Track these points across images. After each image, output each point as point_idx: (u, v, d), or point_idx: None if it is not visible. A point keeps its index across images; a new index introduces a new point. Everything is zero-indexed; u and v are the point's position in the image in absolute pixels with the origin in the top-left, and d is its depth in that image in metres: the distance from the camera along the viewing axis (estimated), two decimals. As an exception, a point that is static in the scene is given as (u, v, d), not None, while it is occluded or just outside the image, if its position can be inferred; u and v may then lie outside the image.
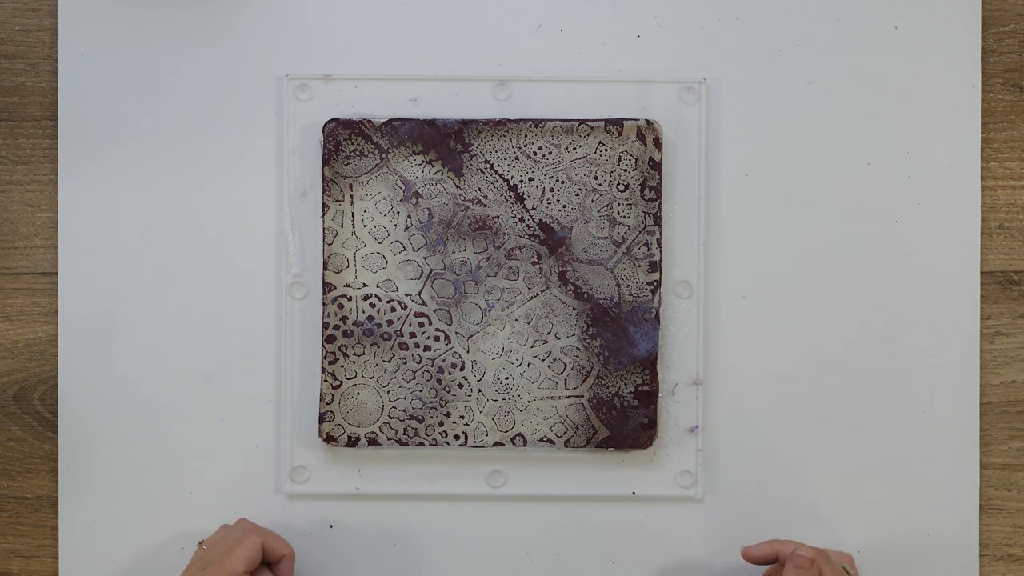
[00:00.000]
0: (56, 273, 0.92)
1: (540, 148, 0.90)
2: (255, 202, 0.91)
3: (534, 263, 0.90)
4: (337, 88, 0.91)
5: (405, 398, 0.90)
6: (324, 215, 0.90)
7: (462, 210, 0.90)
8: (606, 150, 0.90)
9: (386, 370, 0.90)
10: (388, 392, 0.90)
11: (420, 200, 0.90)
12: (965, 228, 0.92)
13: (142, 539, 0.91)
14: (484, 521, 0.92)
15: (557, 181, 0.90)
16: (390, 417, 0.90)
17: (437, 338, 0.90)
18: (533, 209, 0.90)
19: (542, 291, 0.90)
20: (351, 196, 0.90)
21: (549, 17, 0.92)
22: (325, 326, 0.90)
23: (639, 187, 0.90)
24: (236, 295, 0.91)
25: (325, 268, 0.90)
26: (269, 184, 0.91)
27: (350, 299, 0.90)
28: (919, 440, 0.91)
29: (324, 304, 0.90)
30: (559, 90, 0.91)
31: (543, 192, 0.90)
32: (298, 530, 0.91)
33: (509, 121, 0.90)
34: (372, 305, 0.90)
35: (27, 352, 0.92)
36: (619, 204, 0.90)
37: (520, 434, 0.90)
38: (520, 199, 0.90)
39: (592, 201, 0.90)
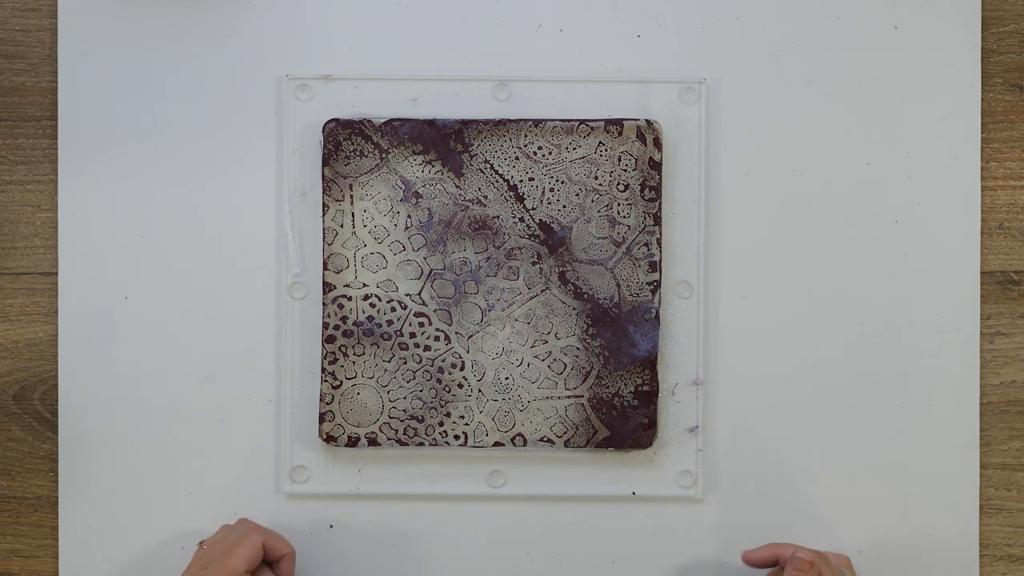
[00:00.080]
0: (56, 273, 0.92)
1: (540, 148, 0.90)
2: (255, 202, 0.91)
3: (534, 263, 0.90)
4: (337, 88, 0.91)
5: (405, 398, 0.90)
6: (324, 215, 0.90)
7: (462, 210, 0.90)
8: (606, 150, 0.90)
9: (386, 370, 0.90)
10: (388, 392, 0.90)
11: (420, 200, 0.90)
12: (965, 228, 0.92)
13: (142, 539, 0.91)
14: (484, 521, 0.92)
15: (557, 181, 0.90)
16: (390, 417, 0.90)
17: (437, 338, 0.90)
18: (533, 209, 0.90)
19: (542, 291, 0.90)
20: (351, 196, 0.90)
21: (549, 17, 0.92)
22: (325, 326, 0.90)
23: (639, 187, 0.90)
24: (236, 295, 0.91)
25: (325, 268, 0.90)
26: (269, 184, 0.91)
27: (350, 299, 0.90)
28: (919, 440, 0.91)
29: (324, 304, 0.90)
30: (559, 90, 0.91)
31: (543, 192, 0.90)
32: (298, 530, 0.91)
33: (509, 121, 0.90)
34: (372, 305, 0.90)
35: (27, 352, 0.92)
36: (619, 204, 0.90)
37: (520, 434, 0.90)
38: (520, 199, 0.90)
39: (592, 201, 0.90)
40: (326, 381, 0.90)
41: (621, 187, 0.90)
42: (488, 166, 0.90)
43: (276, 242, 0.91)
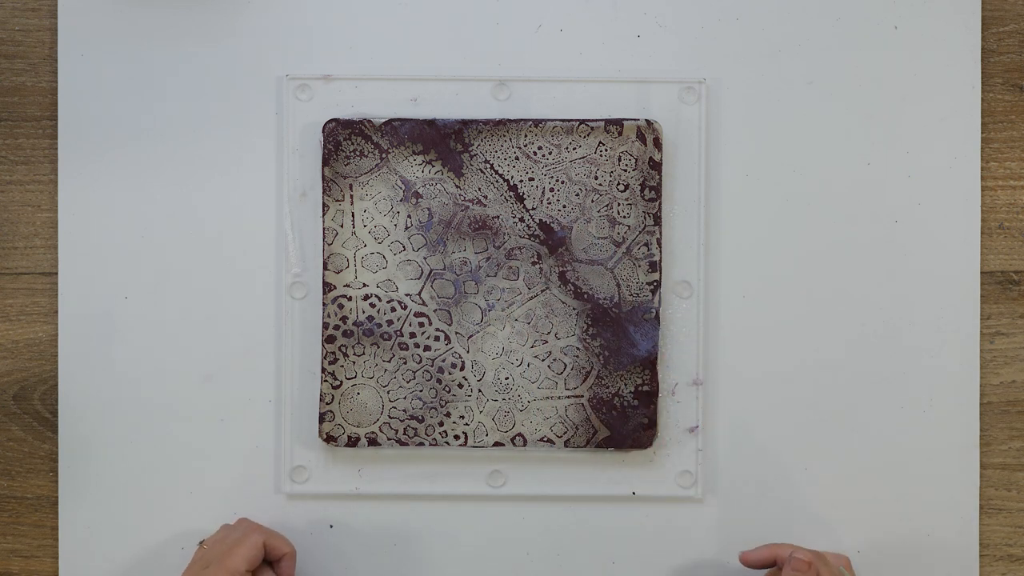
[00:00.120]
0: (56, 273, 0.92)
1: (540, 148, 0.90)
2: (255, 202, 0.91)
3: (534, 263, 0.90)
4: (337, 88, 0.91)
5: (405, 398, 0.90)
6: (324, 215, 0.90)
7: (462, 210, 0.90)
8: (606, 150, 0.90)
9: (386, 370, 0.90)
10: (388, 392, 0.90)
11: (420, 200, 0.90)
12: (965, 228, 0.92)
13: (142, 539, 0.91)
14: (484, 521, 0.92)
15: (557, 181, 0.90)
16: (390, 417, 0.90)
17: (437, 338, 0.90)
18: (533, 209, 0.90)
19: (542, 291, 0.90)
20: (351, 196, 0.90)
21: (549, 17, 0.92)
22: (325, 326, 0.90)
23: (639, 187, 0.90)
24: (236, 295, 0.91)
25: (325, 268, 0.90)
26: (269, 184, 0.91)
27: (350, 299, 0.90)
28: (919, 440, 0.91)
29: (324, 304, 0.90)
30: (559, 90, 0.91)
31: (543, 192, 0.90)
32: (298, 530, 0.91)
33: (509, 121, 0.90)
34: (372, 305, 0.90)
35: (27, 352, 0.92)
36: (619, 204, 0.90)
37: (520, 434, 0.90)
38: (520, 199, 0.90)
39: (592, 201, 0.90)
40: (326, 381, 0.90)
41: (621, 187, 0.90)
42: (488, 166, 0.90)
43: (276, 242, 0.91)
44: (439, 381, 0.90)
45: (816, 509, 0.91)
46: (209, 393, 0.91)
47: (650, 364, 0.90)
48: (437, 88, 0.91)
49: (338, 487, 0.91)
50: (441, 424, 0.90)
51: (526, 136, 0.90)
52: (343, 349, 0.90)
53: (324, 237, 0.90)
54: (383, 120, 0.90)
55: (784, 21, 0.92)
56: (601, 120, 0.90)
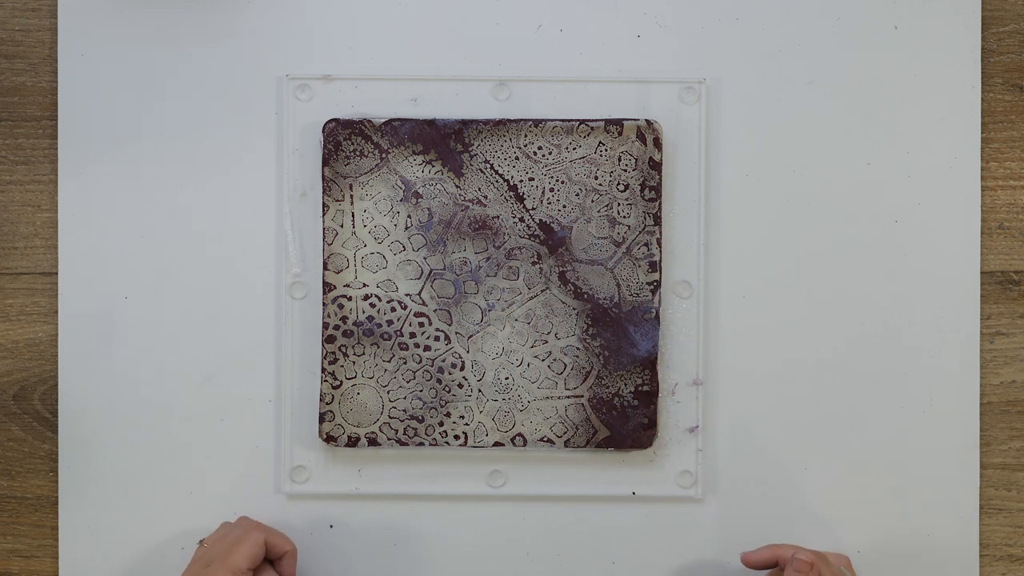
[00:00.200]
0: (56, 273, 0.92)
1: (540, 148, 0.90)
2: (255, 202, 0.91)
3: (534, 263, 0.90)
4: (337, 88, 0.91)
5: (405, 398, 0.90)
6: (324, 215, 0.90)
7: (462, 210, 0.90)
8: (606, 150, 0.90)
9: (386, 370, 0.90)
10: (388, 392, 0.90)
11: (420, 200, 0.90)
12: (965, 228, 0.92)
13: (142, 539, 0.91)
14: (484, 521, 0.92)
15: (557, 181, 0.90)
16: (390, 417, 0.90)
17: (437, 338, 0.90)
18: (533, 209, 0.90)
19: (542, 291, 0.90)
20: (351, 196, 0.90)
21: (549, 17, 0.92)
22: (325, 326, 0.90)
23: (639, 187, 0.90)
24: (236, 295, 0.91)
25: (325, 268, 0.90)
26: (269, 184, 0.91)
27: (350, 299, 0.90)
28: (919, 440, 0.91)
29: (324, 304, 0.90)
30: (559, 90, 0.91)
31: (543, 192, 0.90)
32: (298, 530, 0.91)
33: (509, 121, 0.90)
34: (372, 305, 0.90)
35: (27, 352, 0.92)
36: (619, 204, 0.90)
37: (520, 434, 0.90)
38: (520, 199, 0.90)
39: (592, 201, 0.90)
40: (326, 381, 0.90)
41: (621, 187, 0.90)
42: (488, 166, 0.90)
43: (276, 242, 0.91)
44: (439, 381, 0.90)
45: (816, 509, 0.91)
46: (209, 393, 0.91)
47: (650, 364, 0.90)
48: (437, 88, 0.91)
49: (338, 487, 0.91)
50: (441, 424, 0.90)
51: (526, 136, 0.90)
52: (343, 349, 0.90)
53: (324, 237, 0.90)
54: (383, 120, 0.90)
55: (784, 21, 0.92)
56: (601, 120, 0.90)
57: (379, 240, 0.90)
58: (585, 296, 0.90)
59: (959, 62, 0.92)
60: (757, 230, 0.92)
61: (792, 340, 0.91)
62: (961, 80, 0.92)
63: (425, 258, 0.90)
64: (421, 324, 0.90)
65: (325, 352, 0.90)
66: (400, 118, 0.90)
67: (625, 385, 0.90)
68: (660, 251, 0.90)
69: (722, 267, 0.91)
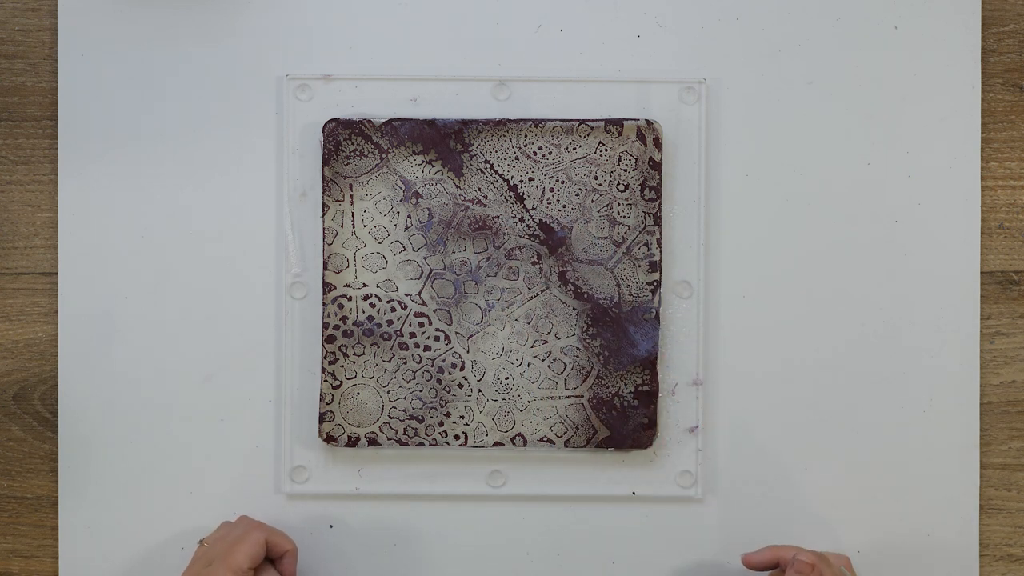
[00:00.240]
0: (56, 273, 0.92)
1: (540, 148, 0.90)
2: (255, 202, 0.91)
3: (534, 263, 0.90)
4: (337, 88, 0.91)
5: (405, 398, 0.90)
6: (324, 215, 0.90)
7: (462, 210, 0.90)
8: (606, 150, 0.90)
9: (386, 370, 0.90)
10: (388, 392, 0.90)
11: (420, 200, 0.90)
12: (965, 228, 0.92)
13: (142, 539, 0.91)
14: (484, 521, 0.92)
15: (557, 181, 0.90)
16: (390, 417, 0.90)
17: (437, 338, 0.90)
18: (533, 209, 0.90)
19: (542, 291, 0.90)
20: (351, 196, 0.90)
21: (549, 17, 0.92)
22: (325, 326, 0.90)
23: (639, 187, 0.90)
24: (236, 295, 0.91)
25: (325, 268, 0.90)
26: (269, 184, 0.91)
27: (350, 299, 0.90)
28: (919, 440, 0.91)
29: (324, 304, 0.90)
30: (559, 90, 0.91)
31: (543, 192, 0.90)
32: (298, 530, 0.91)
33: (509, 121, 0.90)
34: (372, 305, 0.90)
35: (27, 352, 0.92)
36: (619, 204, 0.90)
37: (520, 434, 0.90)
38: (520, 199, 0.90)
39: (592, 201, 0.90)
40: (326, 381, 0.90)
41: (621, 187, 0.90)
42: (488, 166, 0.90)
43: (276, 242, 0.91)
44: (439, 381, 0.90)
45: (816, 509, 0.91)
46: (209, 393, 0.91)
47: (650, 364, 0.90)
48: (437, 88, 0.91)
49: (338, 487, 0.91)
50: (441, 424, 0.90)
51: (526, 136, 0.90)
52: (343, 349, 0.90)
53: (324, 237, 0.90)
54: (383, 120, 0.90)
55: (784, 21, 0.92)
56: (601, 120, 0.90)
57: (379, 240, 0.90)
58: (585, 296, 0.90)
59: (959, 62, 0.92)
60: (757, 230, 0.92)
61: (792, 340, 0.91)
62: (961, 80, 0.92)
63: (425, 258, 0.90)
64: (421, 324, 0.90)
65: (325, 352, 0.90)
66: (400, 118, 0.90)
67: (625, 385, 0.90)
68: (660, 251, 0.90)
69: (722, 267, 0.91)
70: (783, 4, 0.92)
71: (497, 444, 0.90)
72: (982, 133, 0.92)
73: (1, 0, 0.92)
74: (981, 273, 0.92)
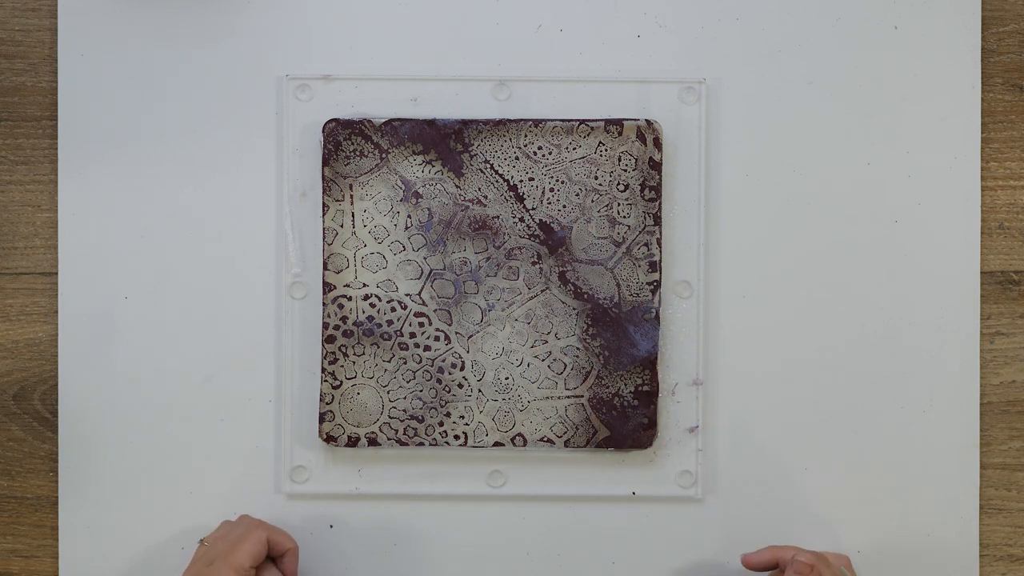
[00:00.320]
0: (56, 273, 0.92)
1: (540, 148, 0.90)
2: (255, 202, 0.91)
3: (534, 263, 0.90)
4: (337, 88, 0.91)
5: (405, 398, 0.90)
6: (324, 215, 0.90)
7: (462, 210, 0.90)
8: (606, 150, 0.90)
9: (386, 370, 0.90)
10: (388, 392, 0.90)
11: (420, 200, 0.90)
12: (965, 228, 0.92)
13: (142, 539, 0.91)
14: (484, 521, 0.92)
15: (557, 181, 0.90)
16: (390, 417, 0.90)
17: (437, 338, 0.90)
18: (533, 209, 0.90)
19: (542, 291, 0.90)
20: (351, 196, 0.90)
21: (549, 17, 0.92)
22: (325, 326, 0.90)
23: (639, 187, 0.90)
24: (236, 295, 0.91)
25: (325, 268, 0.90)
26: (269, 184, 0.91)
27: (350, 299, 0.90)
28: (919, 440, 0.91)
29: (324, 304, 0.90)
30: (559, 90, 0.91)
31: (543, 192, 0.90)
32: (298, 530, 0.91)
33: (509, 121, 0.90)
34: (372, 305, 0.90)
35: (27, 352, 0.92)
36: (619, 204, 0.90)
37: (520, 434, 0.90)
38: (520, 199, 0.90)
39: (592, 201, 0.90)
40: (326, 381, 0.90)
41: (621, 187, 0.90)
42: (488, 166, 0.90)
43: (276, 242, 0.91)
44: (439, 381, 0.90)
45: (816, 509, 0.91)
46: (209, 393, 0.91)
47: (650, 364, 0.90)
48: (437, 88, 0.91)
49: (338, 487, 0.91)
50: (441, 424, 0.90)
51: (526, 136, 0.90)
52: (343, 349, 0.90)
53: (324, 237, 0.90)
54: (383, 120, 0.90)
55: (784, 21, 0.92)
56: (601, 120, 0.90)
57: (379, 240, 0.90)
58: (585, 296, 0.90)
59: (959, 62, 0.92)
60: (757, 230, 0.92)
61: (792, 340, 0.91)
62: (961, 80, 0.92)
63: (425, 258, 0.90)
64: (421, 324, 0.90)
65: (325, 352, 0.90)
66: (400, 118, 0.90)
67: (625, 385, 0.90)
68: (660, 251, 0.90)
69: (722, 267, 0.91)
70: (783, 4, 0.92)
71: (497, 444, 0.90)
72: (982, 133, 0.92)
73: (1, 0, 0.92)
74: (981, 273, 0.92)
